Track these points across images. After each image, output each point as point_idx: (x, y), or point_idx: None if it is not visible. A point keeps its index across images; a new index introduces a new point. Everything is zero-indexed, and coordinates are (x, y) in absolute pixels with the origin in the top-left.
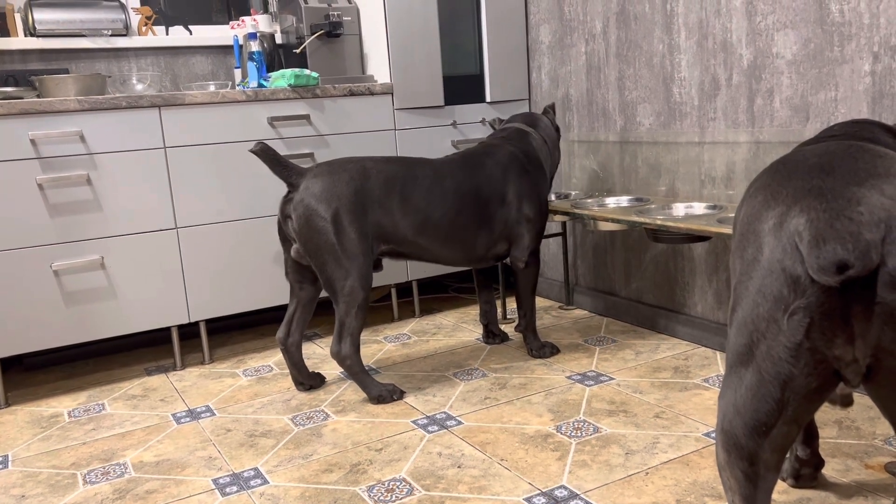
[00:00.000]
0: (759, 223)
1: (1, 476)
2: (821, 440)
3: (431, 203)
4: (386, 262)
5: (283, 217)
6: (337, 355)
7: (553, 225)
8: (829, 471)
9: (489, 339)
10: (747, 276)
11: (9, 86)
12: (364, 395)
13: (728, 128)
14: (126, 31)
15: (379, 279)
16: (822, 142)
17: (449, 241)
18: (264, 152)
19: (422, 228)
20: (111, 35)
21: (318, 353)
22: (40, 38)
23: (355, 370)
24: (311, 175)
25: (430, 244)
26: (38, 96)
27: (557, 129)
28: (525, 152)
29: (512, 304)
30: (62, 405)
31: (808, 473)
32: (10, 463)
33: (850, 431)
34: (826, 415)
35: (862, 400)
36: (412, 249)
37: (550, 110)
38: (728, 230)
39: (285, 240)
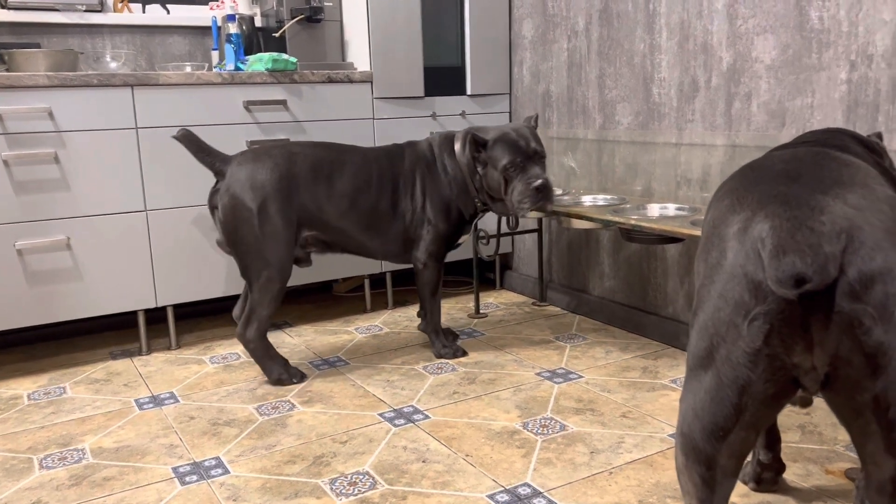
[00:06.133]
0: (725, 227)
1: None
2: (783, 444)
3: (356, 188)
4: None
5: (211, 208)
6: (241, 337)
7: (529, 222)
8: (790, 475)
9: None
10: (710, 280)
11: None
12: (333, 386)
13: (705, 130)
14: (101, 6)
15: (352, 270)
16: (792, 147)
17: (369, 229)
18: (186, 138)
19: (346, 214)
20: (85, 10)
21: (288, 343)
22: (11, 11)
23: (258, 354)
24: (235, 163)
25: (352, 231)
26: (7, 70)
27: (478, 164)
28: (439, 156)
29: (486, 298)
30: (22, 387)
31: (770, 477)
32: None
33: (812, 436)
34: (789, 419)
35: (825, 406)
36: (336, 236)
37: (471, 143)
38: (699, 232)
39: None
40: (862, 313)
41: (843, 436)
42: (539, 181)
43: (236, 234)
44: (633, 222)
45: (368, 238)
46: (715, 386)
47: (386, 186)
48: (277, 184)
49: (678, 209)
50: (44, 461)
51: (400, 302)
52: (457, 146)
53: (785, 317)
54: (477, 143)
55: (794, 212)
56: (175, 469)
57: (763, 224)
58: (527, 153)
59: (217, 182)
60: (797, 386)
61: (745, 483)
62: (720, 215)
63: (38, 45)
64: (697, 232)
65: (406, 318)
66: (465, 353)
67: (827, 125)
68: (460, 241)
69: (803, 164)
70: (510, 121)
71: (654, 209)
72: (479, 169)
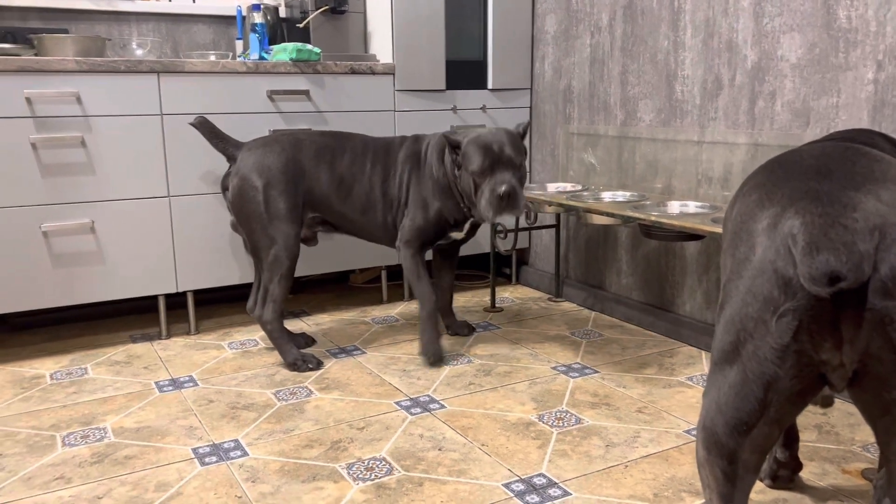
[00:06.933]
0: (753, 222)
1: None
2: (800, 443)
3: (353, 174)
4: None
5: (223, 189)
6: (259, 319)
7: (546, 217)
8: (807, 474)
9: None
10: (738, 275)
11: (6, 42)
12: (350, 374)
13: (728, 128)
14: None
15: (369, 261)
16: (821, 143)
17: (364, 214)
18: (202, 125)
19: (344, 199)
20: None
21: (305, 331)
22: None
23: (275, 335)
24: (246, 148)
25: (351, 214)
26: (36, 55)
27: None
28: (430, 155)
29: (502, 292)
30: (45, 367)
31: (786, 475)
32: None
33: (829, 436)
34: (806, 419)
35: (842, 406)
36: (339, 219)
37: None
38: (721, 230)
39: None
40: (894, 311)
41: (860, 437)
42: (503, 187)
43: (243, 213)
44: (653, 218)
45: (365, 222)
46: (740, 381)
47: (378, 175)
48: (283, 167)
49: (699, 207)
50: (66, 439)
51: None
52: (447, 150)
53: (815, 313)
54: (451, 144)
55: (827, 208)
56: (195, 450)
57: (794, 220)
58: (498, 158)
59: (230, 166)
60: (824, 382)
61: (761, 480)
62: (748, 210)
63: (66, 31)
64: (719, 229)
65: None
66: (441, 360)
67: (852, 125)
68: (447, 241)
69: (833, 160)
70: (530, 117)
71: (674, 206)
72: (455, 172)
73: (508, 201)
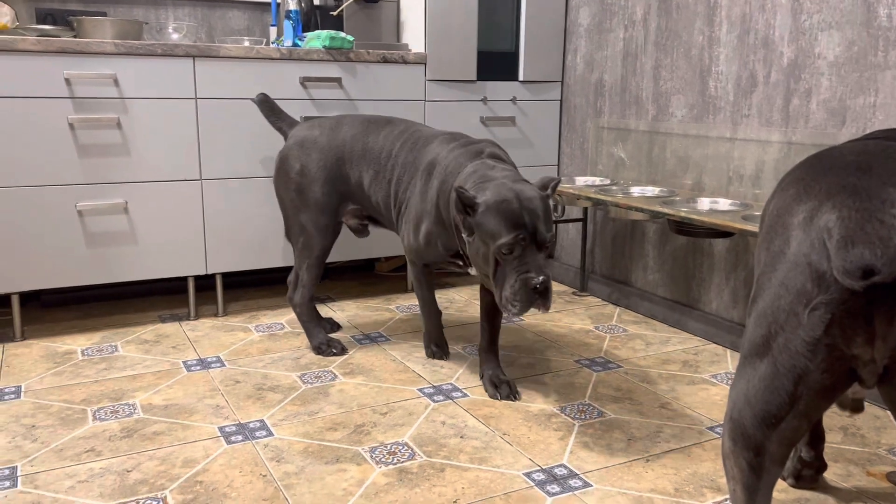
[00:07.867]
0: (789, 216)
1: (14, 406)
2: (825, 444)
3: (380, 160)
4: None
5: None
6: (290, 300)
7: (574, 210)
8: (831, 475)
9: None
10: (771, 268)
11: (47, 24)
12: (374, 360)
13: (761, 126)
14: None
15: (395, 250)
16: (861, 142)
17: (388, 209)
18: (263, 103)
19: (372, 181)
20: None
21: (332, 317)
22: None
23: (303, 318)
24: (295, 128)
25: (377, 202)
26: (75, 37)
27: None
28: (442, 170)
29: None
30: (76, 343)
31: (810, 475)
32: (22, 394)
33: (854, 438)
34: (832, 420)
35: (869, 409)
36: (372, 210)
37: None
38: (752, 228)
39: None
40: None
41: (887, 440)
42: (540, 279)
43: (279, 195)
44: (683, 214)
45: (388, 217)
46: (770, 374)
47: (398, 167)
48: (322, 149)
49: (733, 204)
50: (97, 413)
51: (441, 284)
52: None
53: (847, 307)
54: (464, 204)
55: (864, 203)
56: (221, 428)
57: (830, 214)
58: (532, 234)
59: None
60: (854, 378)
61: (784, 479)
62: (785, 204)
63: (104, 14)
64: (750, 227)
65: (447, 300)
66: (439, 355)
67: (889, 125)
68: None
69: (873, 157)
70: (560, 110)
71: (704, 203)
72: (464, 236)
73: (542, 298)
